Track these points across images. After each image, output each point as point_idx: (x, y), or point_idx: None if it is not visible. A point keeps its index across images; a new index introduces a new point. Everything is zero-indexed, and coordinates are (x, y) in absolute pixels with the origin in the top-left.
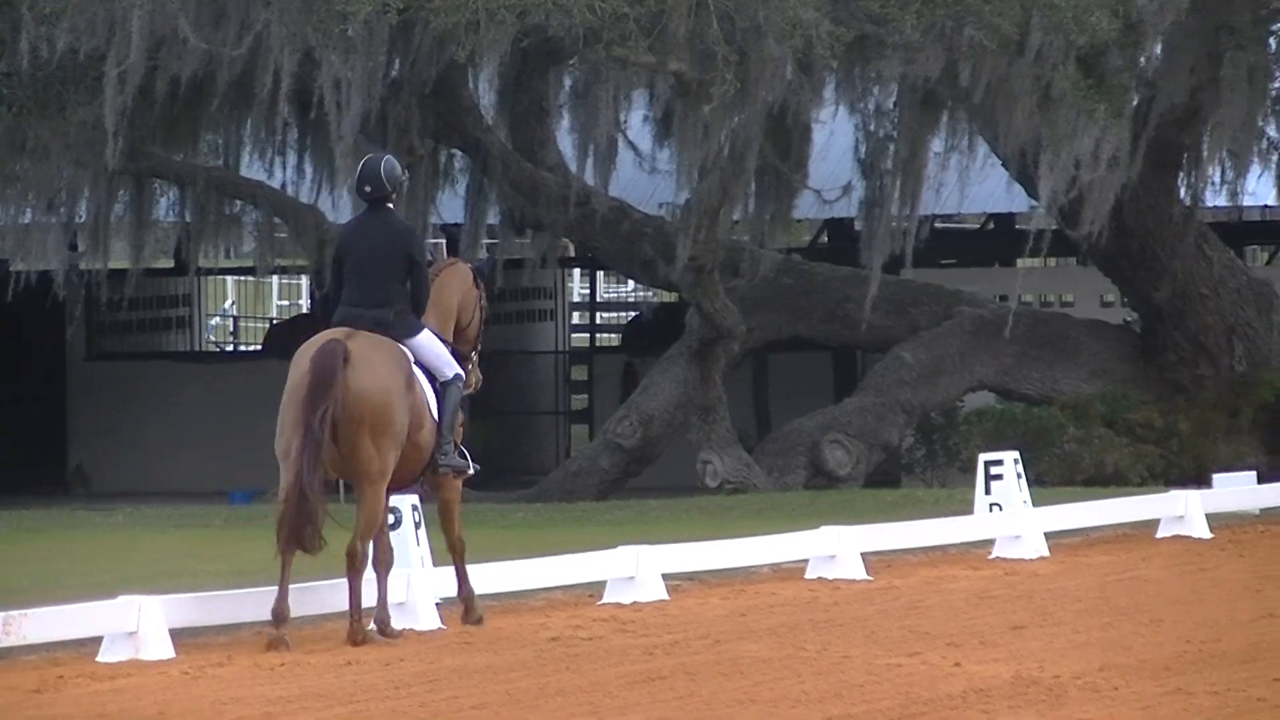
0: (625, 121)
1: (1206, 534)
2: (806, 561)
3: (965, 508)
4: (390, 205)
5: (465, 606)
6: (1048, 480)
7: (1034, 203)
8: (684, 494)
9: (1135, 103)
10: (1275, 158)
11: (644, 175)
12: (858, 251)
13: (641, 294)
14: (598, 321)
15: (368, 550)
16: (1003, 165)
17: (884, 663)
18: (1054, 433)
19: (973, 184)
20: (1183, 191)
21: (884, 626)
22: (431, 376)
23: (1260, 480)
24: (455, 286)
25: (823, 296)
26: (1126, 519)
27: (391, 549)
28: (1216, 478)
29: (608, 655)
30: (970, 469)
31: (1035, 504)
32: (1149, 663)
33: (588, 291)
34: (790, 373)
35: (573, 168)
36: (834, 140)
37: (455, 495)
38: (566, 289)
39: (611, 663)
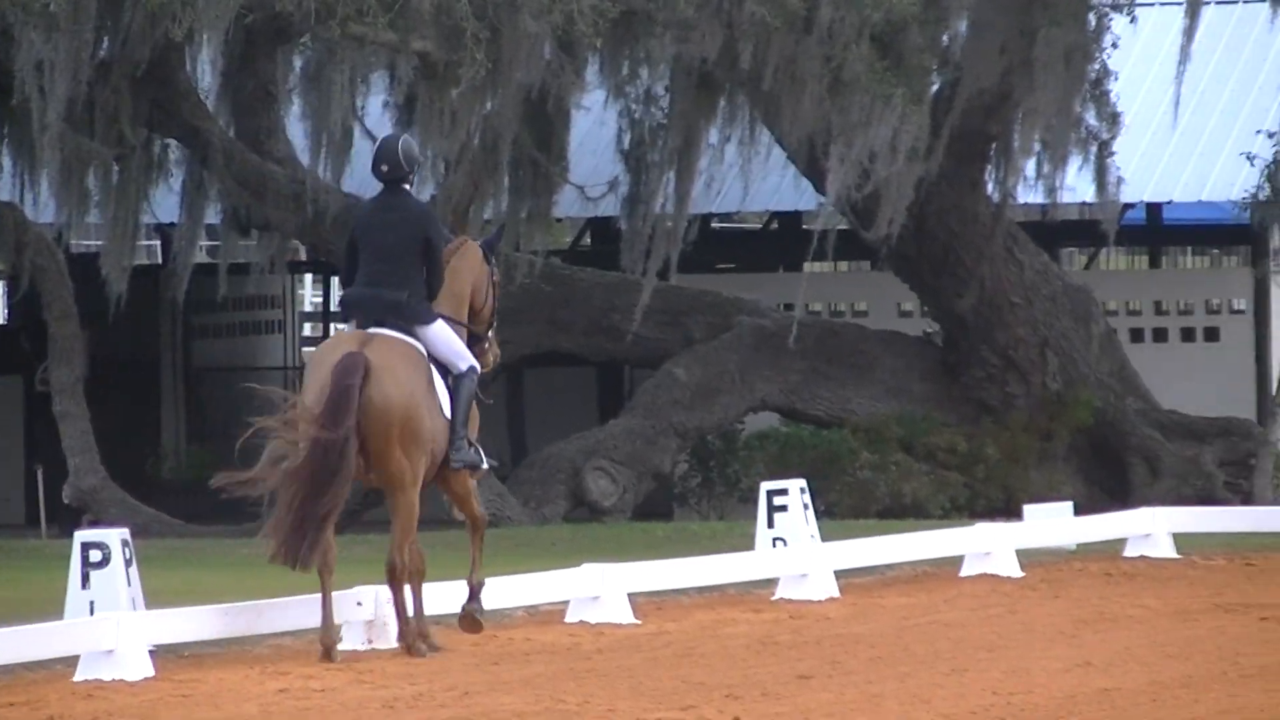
0: (363, 108)
1: (1017, 572)
2: (567, 603)
3: (746, 543)
4: (408, 186)
5: (470, 593)
6: (839, 512)
7: (823, 199)
8: (431, 527)
9: (937, 87)
10: (1094, 148)
11: None
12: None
13: None
14: (332, 334)
15: (405, 560)
16: (788, 157)
17: (654, 717)
18: (846, 458)
19: (755, 179)
20: (991, 187)
21: (654, 676)
22: (444, 370)
23: (1076, 512)
24: (466, 270)
25: (586, 306)
26: (927, 555)
27: (423, 557)
28: (1028, 509)
29: (342, 709)
30: (751, 499)
31: (824, 539)
32: (950, 718)
33: (320, 300)
34: (550, 391)
35: (304, 160)
36: (600, 130)
37: (468, 483)
38: (296, 297)
39: (347, 719)
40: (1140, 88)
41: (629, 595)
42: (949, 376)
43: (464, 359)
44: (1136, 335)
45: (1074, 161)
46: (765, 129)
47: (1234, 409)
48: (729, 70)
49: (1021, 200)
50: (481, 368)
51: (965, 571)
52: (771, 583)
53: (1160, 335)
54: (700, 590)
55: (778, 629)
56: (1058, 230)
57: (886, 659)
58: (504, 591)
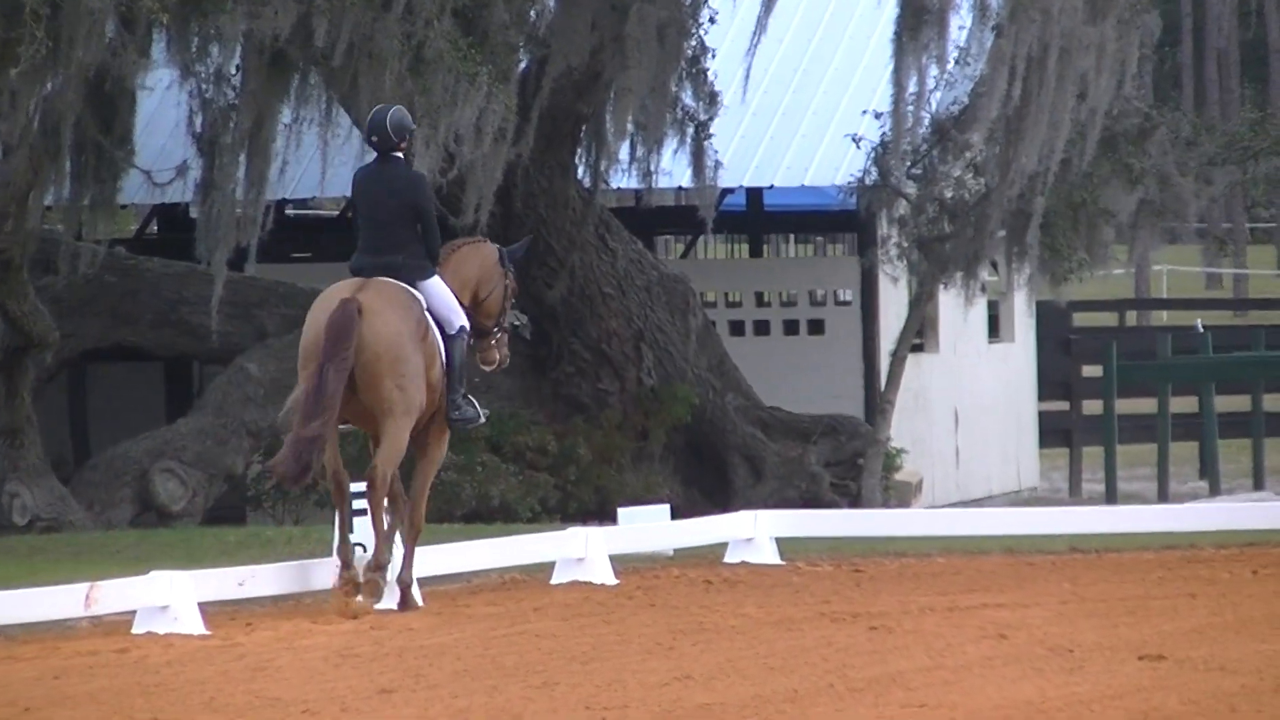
0: None
1: (611, 579)
2: (134, 613)
3: (324, 549)
4: (399, 155)
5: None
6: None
7: None
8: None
9: (525, 65)
10: (692, 130)
11: None
12: (194, 243)
13: None
14: None
15: (387, 478)
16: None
17: None
18: None
19: (333, 163)
20: (582, 171)
21: (227, 691)
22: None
23: (674, 515)
24: (476, 260)
25: (153, 297)
26: (516, 562)
27: (422, 518)
28: (623, 512)
29: None
30: (328, 503)
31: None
32: None
33: None
34: (115, 388)
35: None
36: (167, 111)
37: (438, 457)
38: None
39: None
40: (738, 66)
41: (200, 604)
42: (538, 372)
43: (459, 316)
44: (737, 328)
45: (670, 144)
46: (344, 111)
47: (841, 406)
48: (303, 48)
49: (615, 185)
50: (484, 364)
51: (557, 579)
52: None
53: (762, 328)
54: (275, 599)
55: (358, 640)
56: (653, 217)
57: (473, 671)
58: (66, 601)
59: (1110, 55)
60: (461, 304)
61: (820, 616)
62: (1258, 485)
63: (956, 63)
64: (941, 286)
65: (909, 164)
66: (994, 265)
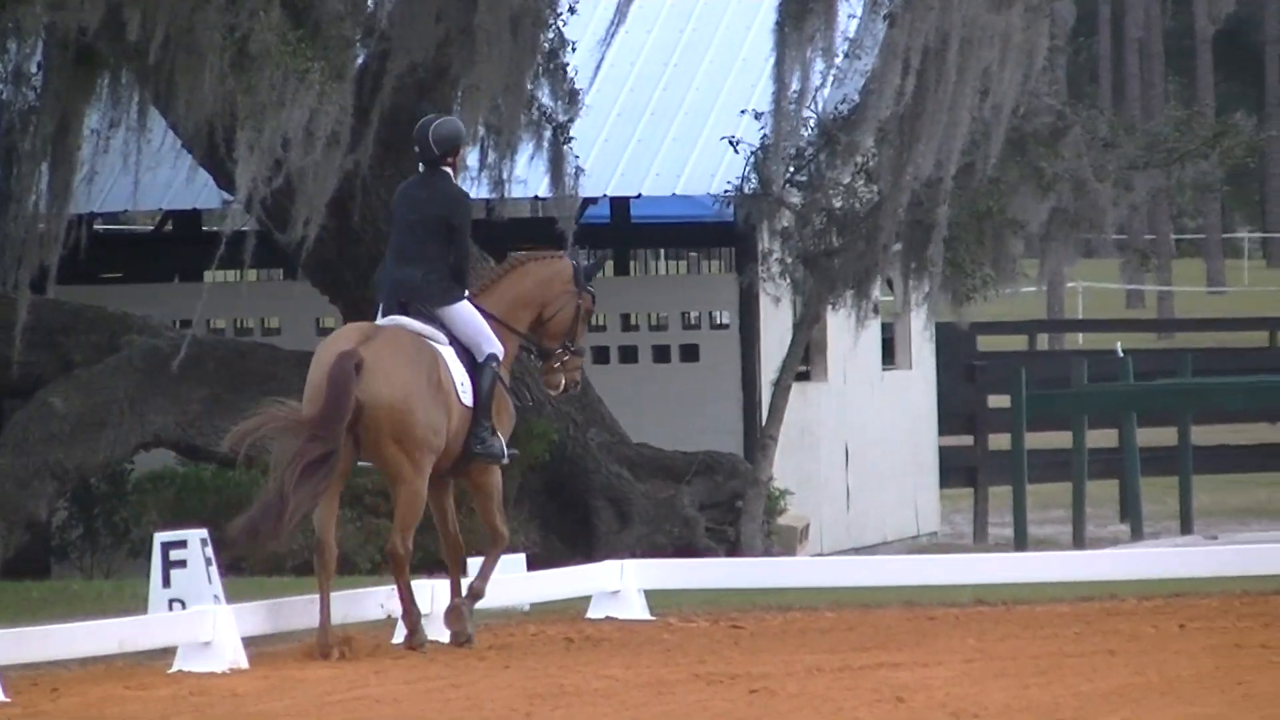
0: None
1: None
2: None
3: (138, 605)
4: (447, 168)
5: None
6: (249, 566)
7: (228, 196)
8: None
9: (362, 61)
10: (550, 132)
11: None
12: None
13: None
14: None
15: (409, 546)
16: (184, 146)
17: None
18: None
19: (146, 171)
20: None
21: None
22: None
23: (531, 565)
24: (538, 276)
25: None
26: (353, 618)
27: (460, 544)
28: (473, 562)
29: None
30: (144, 553)
31: (231, 599)
32: None
33: None
34: None
35: None
36: None
37: (493, 479)
38: None
39: None
40: (595, 57)
41: None
42: None
43: (488, 343)
44: (601, 355)
45: (525, 148)
46: (159, 113)
47: (718, 442)
48: (114, 42)
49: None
50: (549, 387)
51: (399, 637)
52: (169, 652)
53: (629, 355)
54: (84, 662)
55: (176, 708)
56: (507, 230)
57: None
58: None
59: (1017, 46)
60: (514, 324)
61: (695, 678)
62: (1185, 529)
63: (846, 56)
64: (830, 307)
65: (793, 170)
66: (889, 283)
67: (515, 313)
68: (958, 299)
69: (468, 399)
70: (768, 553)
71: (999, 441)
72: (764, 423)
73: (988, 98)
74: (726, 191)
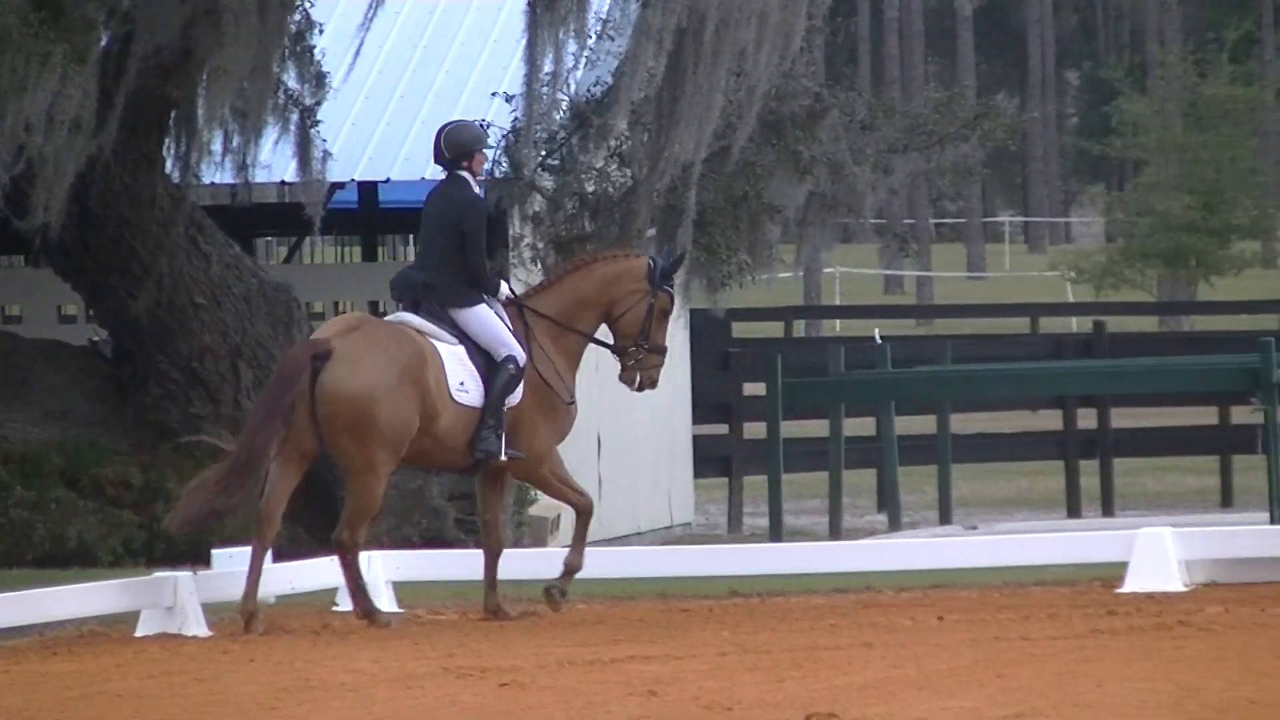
0: None
1: (205, 631)
2: None
3: None
4: (465, 173)
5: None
6: None
7: None
8: None
9: (106, 43)
10: (296, 116)
11: None
12: None
13: None
14: None
15: (357, 539)
16: None
17: None
18: None
19: None
20: (171, 164)
21: None
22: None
23: (279, 557)
24: (603, 275)
25: None
26: (95, 611)
27: (498, 540)
28: (217, 554)
29: None
30: None
31: None
32: None
33: None
34: None
35: None
36: None
37: (540, 471)
38: None
39: None
40: (351, 43)
41: None
42: (120, 395)
43: (505, 346)
44: None
45: (271, 133)
46: None
47: None
48: None
49: (208, 180)
50: (624, 382)
51: (142, 630)
52: None
53: None
54: None
55: None
56: (253, 216)
57: None
58: None
59: (774, 26)
60: (572, 324)
61: (444, 672)
62: (944, 519)
63: (599, 37)
64: None
65: (545, 153)
66: None
67: (576, 312)
68: (712, 285)
69: (466, 399)
70: (518, 544)
71: (754, 430)
72: None
73: (743, 79)
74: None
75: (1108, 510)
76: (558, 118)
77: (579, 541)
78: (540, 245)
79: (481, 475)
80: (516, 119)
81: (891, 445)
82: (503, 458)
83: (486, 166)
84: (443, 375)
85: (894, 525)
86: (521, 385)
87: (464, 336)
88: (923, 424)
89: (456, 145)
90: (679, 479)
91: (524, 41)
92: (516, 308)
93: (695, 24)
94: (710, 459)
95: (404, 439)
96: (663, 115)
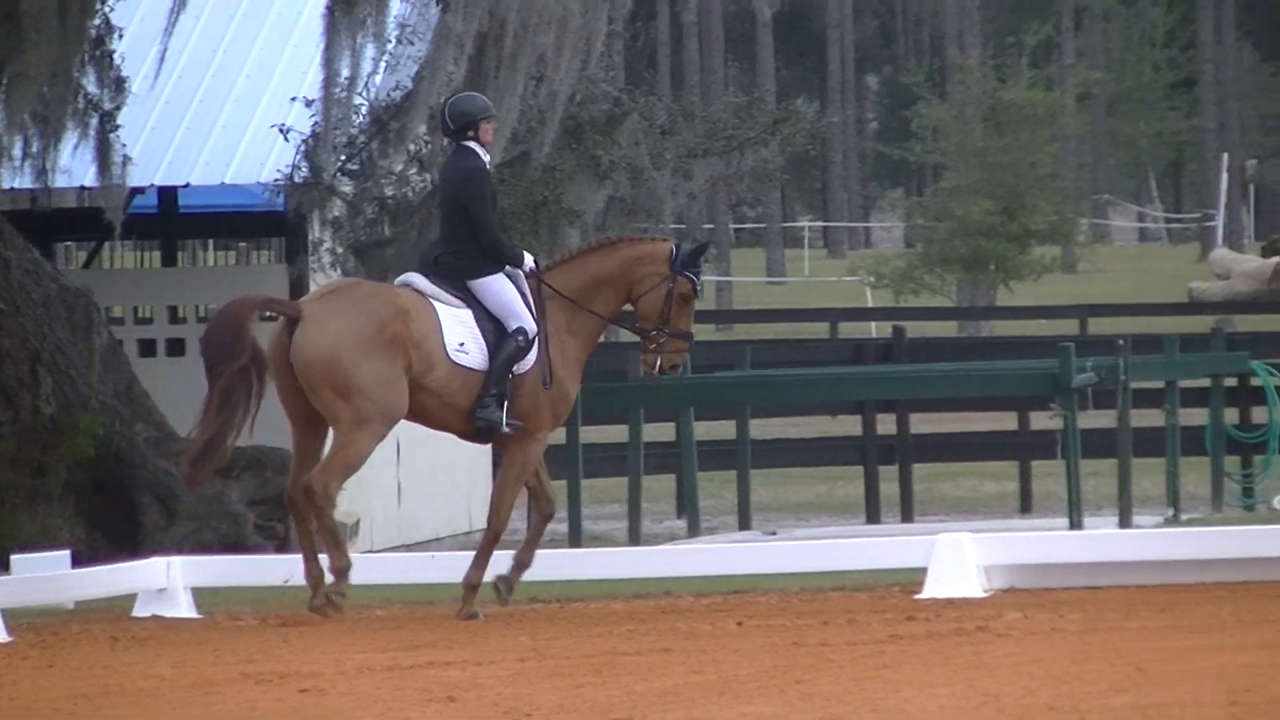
0: None
1: (3, 636)
2: None
3: None
4: (470, 144)
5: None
6: None
7: None
8: None
9: None
10: (96, 121)
11: None
12: None
13: None
14: None
15: (328, 491)
16: None
17: None
18: None
19: None
20: None
21: None
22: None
23: (77, 562)
24: (626, 256)
25: None
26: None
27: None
28: (16, 560)
29: None
30: None
31: None
32: None
33: None
34: None
35: None
36: None
37: (523, 459)
38: None
39: None
40: (150, 47)
41: None
42: None
43: (516, 318)
44: (148, 348)
45: (71, 138)
46: None
47: (268, 437)
48: None
49: (9, 185)
50: (647, 366)
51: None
52: None
53: (176, 348)
54: None
55: None
56: (52, 221)
57: None
58: None
59: (574, 31)
60: (586, 302)
61: (244, 678)
62: (743, 524)
63: (399, 41)
64: None
65: (344, 158)
66: None
67: (591, 290)
68: None
69: (466, 360)
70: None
71: (555, 435)
72: None
73: (543, 84)
74: (277, 181)
75: (907, 516)
76: (357, 122)
77: (484, 556)
78: (340, 250)
79: (506, 444)
80: (316, 123)
81: (691, 450)
82: (505, 429)
83: (286, 171)
84: (435, 331)
85: (694, 531)
86: (532, 357)
87: (475, 302)
88: (722, 429)
89: (460, 115)
90: (479, 484)
91: (323, 46)
92: (538, 281)
93: (496, 28)
94: None
95: (387, 392)
96: None
